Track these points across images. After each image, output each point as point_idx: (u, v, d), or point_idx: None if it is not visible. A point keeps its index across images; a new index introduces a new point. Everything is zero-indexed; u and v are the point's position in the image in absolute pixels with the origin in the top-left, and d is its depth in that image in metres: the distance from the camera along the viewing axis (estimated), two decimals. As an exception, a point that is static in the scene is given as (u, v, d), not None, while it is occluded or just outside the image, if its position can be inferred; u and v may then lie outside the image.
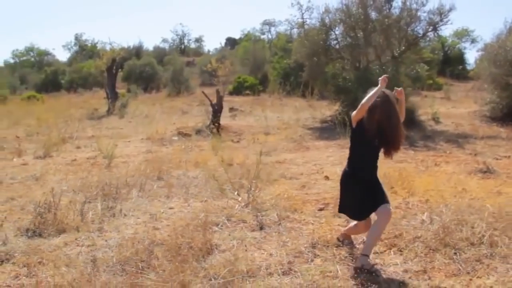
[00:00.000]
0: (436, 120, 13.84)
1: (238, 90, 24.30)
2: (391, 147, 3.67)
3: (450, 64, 32.05)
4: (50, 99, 28.76)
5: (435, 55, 26.24)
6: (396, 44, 13.53)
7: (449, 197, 5.45)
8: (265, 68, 28.97)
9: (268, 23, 55.48)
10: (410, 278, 3.44)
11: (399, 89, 3.73)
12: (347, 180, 3.77)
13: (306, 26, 15.19)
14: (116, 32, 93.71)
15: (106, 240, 4.46)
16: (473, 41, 35.91)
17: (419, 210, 4.99)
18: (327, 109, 15.61)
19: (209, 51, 55.92)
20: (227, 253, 4.02)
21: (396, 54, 13.56)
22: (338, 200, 3.95)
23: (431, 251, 3.91)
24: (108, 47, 28.06)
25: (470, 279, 3.36)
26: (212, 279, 3.49)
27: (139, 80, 31.90)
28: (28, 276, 3.69)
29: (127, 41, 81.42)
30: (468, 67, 33.67)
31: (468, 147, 10.05)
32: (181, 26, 70.10)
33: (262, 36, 51.82)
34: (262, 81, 26.35)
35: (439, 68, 27.53)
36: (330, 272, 3.55)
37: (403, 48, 13.52)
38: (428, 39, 14.28)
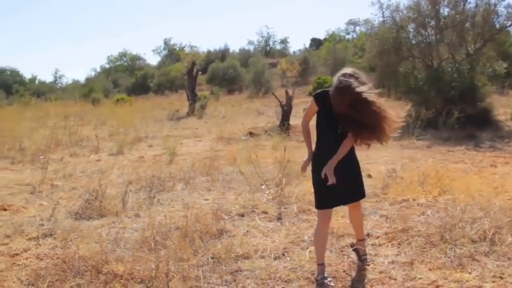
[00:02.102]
0: (515, 120, 13.30)
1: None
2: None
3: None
4: (138, 101, 30.87)
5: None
6: (470, 41, 13.17)
7: (481, 197, 5.46)
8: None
9: (353, 23, 54.92)
10: (392, 268, 3.67)
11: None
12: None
13: (375, 25, 15.13)
14: (203, 36, 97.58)
15: (136, 224, 5.12)
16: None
17: (437, 208, 5.11)
18: (400, 109, 15.48)
19: (294, 52, 56.49)
20: (234, 238, 4.49)
21: (471, 52, 13.19)
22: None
23: (428, 246, 4.09)
24: (188, 50, 29.41)
25: (450, 273, 3.52)
26: (209, 258, 3.99)
27: (222, 82, 33.22)
28: (62, 248, 4.42)
29: (213, 44, 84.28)
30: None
31: (541, 150, 9.65)
32: (266, 28, 71.42)
33: (347, 36, 51.43)
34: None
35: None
36: (309, 261, 3.88)
37: (479, 45, 13.12)
38: (508, 34, 13.71)
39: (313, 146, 3.68)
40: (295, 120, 14.95)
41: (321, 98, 3.47)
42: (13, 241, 4.73)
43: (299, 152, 10.13)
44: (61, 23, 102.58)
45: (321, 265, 3.48)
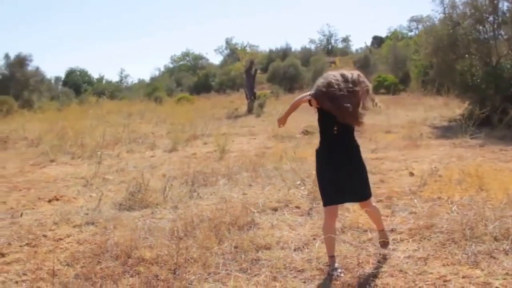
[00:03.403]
0: None
1: (378, 89, 24.30)
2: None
3: None
4: (200, 100, 31.75)
5: None
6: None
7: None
8: (407, 66, 28.42)
9: (416, 20, 53.28)
10: (406, 263, 3.76)
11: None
12: None
13: (428, 21, 14.82)
14: (265, 35, 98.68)
15: (172, 215, 5.46)
16: None
17: (467, 205, 5.08)
18: (458, 107, 15.10)
19: (357, 50, 55.94)
20: (260, 230, 4.71)
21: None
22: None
23: (449, 242, 4.11)
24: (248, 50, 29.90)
25: (462, 269, 3.56)
26: (232, 247, 4.23)
27: (283, 81, 33.50)
28: (101, 235, 4.82)
29: (275, 43, 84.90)
30: None
31: None
32: (328, 26, 71.01)
33: (410, 34, 50.06)
34: (403, 80, 25.91)
35: None
36: (337, 251, 4.02)
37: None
38: None
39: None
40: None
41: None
42: (59, 228, 5.20)
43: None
44: (125, 23, 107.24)
45: (332, 257, 3.66)
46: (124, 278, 3.72)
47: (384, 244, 4.02)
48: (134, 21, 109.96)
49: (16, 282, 3.76)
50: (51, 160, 10.48)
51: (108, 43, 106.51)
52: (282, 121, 4.10)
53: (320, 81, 3.54)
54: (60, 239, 4.82)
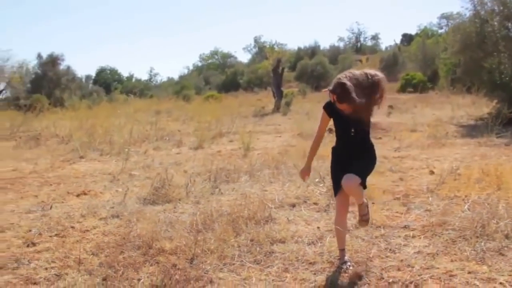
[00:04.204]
0: None
1: (405, 87, 24.14)
2: None
3: None
4: (227, 98, 32.08)
5: None
6: None
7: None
8: (436, 64, 28.12)
9: (446, 17, 52.59)
10: (414, 258, 3.90)
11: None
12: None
13: (457, 19, 14.73)
14: (293, 33, 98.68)
15: (193, 210, 5.70)
16: None
17: (482, 204, 5.16)
18: (486, 106, 14.98)
19: (386, 48, 55.53)
20: (277, 225, 4.92)
21: None
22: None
23: (459, 239, 4.22)
24: (276, 48, 30.05)
25: (469, 265, 3.67)
26: (248, 241, 4.44)
27: (310, 79, 33.59)
28: (125, 227, 5.10)
29: (303, 41, 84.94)
30: None
31: None
32: (357, 24, 70.88)
33: (440, 31, 49.39)
34: (432, 78, 25.66)
35: None
36: (349, 245, 4.19)
37: None
38: None
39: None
40: (377, 117, 14.96)
41: (329, 107, 3.72)
42: (86, 220, 5.51)
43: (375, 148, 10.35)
44: (154, 21, 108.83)
45: (342, 250, 3.83)
46: (145, 267, 3.97)
47: (363, 220, 3.97)
48: (163, 19, 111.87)
49: (46, 269, 4.05)
50: (81, 156, 10.89)
51: (137, 42, 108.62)
52: (306, 172, 4.04)
53: (339, 75, 3.66)
54: (87, 230, 5.12)
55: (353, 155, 3.75)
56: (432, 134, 11.75)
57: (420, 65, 29.01)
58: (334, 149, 3.94)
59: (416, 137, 11.77)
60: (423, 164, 8.11)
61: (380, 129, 14.01)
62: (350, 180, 3.58)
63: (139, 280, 3.69)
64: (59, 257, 4.29)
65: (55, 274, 3.93)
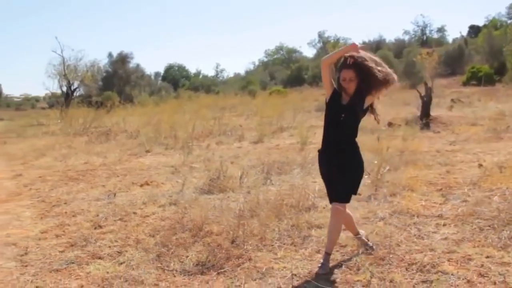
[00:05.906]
0: None
1: (470, 80, 23.49)
2: None
3: None
4: (292, 93, 32.50)
5: None
6: None
7: None
8: (503, 56, 27.05)
9: (515, 7, 50.03)
10: (440, 243, 4.20)
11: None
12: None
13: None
14: (358, 27, 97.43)
15: (244, 198, 6.22)
16: None
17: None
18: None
19: (454, 40, 53.73)
20: (318, 212, 5.34)
21: None
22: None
23: (487, 228, 4.47)
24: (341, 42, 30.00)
25: (489, 251, 3.92)
26: (289, 226, 4.90)
27: (374, 73, 33.16)
28: (180, 213, 5.70)
29: (368, 35, 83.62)
30: None
31: None
32: (422, 17, 68.75)
33: (509, 21, 46.94)
34: (499, 70, 24.77)
35: None
36: (381, 231, 4.55)
37: None
38: None
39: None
40: (439, 111, 14.96)
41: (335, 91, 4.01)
42: (147, 207, 6.17)
43: (430, 143, 10.49)
44: (220, 18, 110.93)
45: (357, 235, 4.24)
46: (194, 246, 4.53)
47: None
48: (229, 16, 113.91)
49: (109, 247, 4.70)
50: (147, 150, 11.75)
51: (204, 39, 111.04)
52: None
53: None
54: (147, 216, 5.77)
55: (336, 164, 3.91)
56: (492, 127, 11.64)
57: (486, 58, 28.01)
58: (320, 153, 4.07)
59: (474, 131, 11.72)
60: (474, 157, 8.21)
61: (440, 123, 13.98)
62: (338, 213, 3.95)
63: (187, 257, 4.26)
64: (121, 238, 4.94)
65: (116, 251, 4.58)
